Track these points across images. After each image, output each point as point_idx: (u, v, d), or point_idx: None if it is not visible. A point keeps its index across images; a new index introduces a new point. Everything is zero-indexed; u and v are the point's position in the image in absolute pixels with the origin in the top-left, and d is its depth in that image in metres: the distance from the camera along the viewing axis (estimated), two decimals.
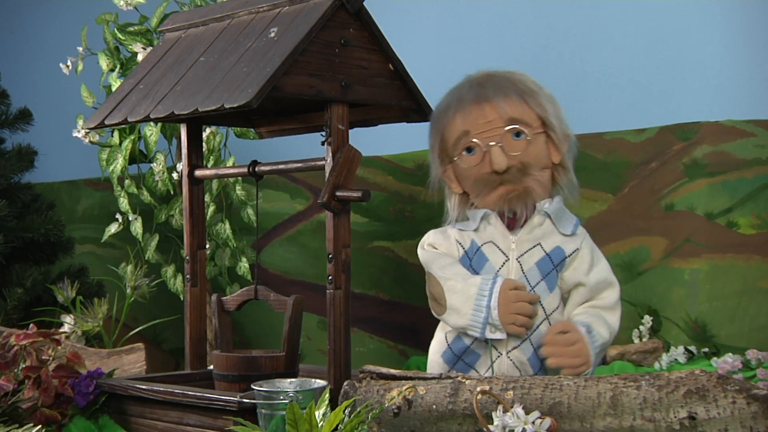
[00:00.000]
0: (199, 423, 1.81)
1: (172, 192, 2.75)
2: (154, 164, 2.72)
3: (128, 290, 2.67)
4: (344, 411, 1.50)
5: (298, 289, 3.01)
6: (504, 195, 1.93)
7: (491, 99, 1.92)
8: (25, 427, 1.76)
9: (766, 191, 2.55)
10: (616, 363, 2.53)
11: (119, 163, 2.72)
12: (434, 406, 1.57)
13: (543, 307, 1.91)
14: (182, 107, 1.79)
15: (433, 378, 1.61)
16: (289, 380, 1.71)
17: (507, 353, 1.89)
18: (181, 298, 2.66)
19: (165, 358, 3.12)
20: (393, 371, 1.66)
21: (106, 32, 2.77)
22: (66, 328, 2.54)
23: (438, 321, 2.00)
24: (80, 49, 2.82)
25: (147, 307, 2.90)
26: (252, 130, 2.29)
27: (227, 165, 2.69)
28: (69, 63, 2.81)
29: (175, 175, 2.71)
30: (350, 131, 1.83)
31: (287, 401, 1.57)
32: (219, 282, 2.84)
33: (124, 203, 2.78)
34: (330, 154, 1.80)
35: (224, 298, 2.00)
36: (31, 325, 2.08)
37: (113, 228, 2.80)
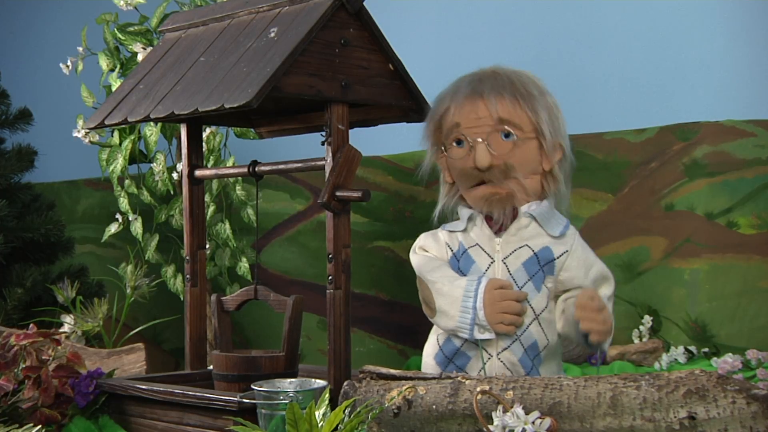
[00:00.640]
0: (199, 423, 1.81)
1: (172, 192, 2.75)
2: (154, 164, 2.72)
3: (128, 290, 2.67)
4: (344, 411, 1.50)
5: (298, 289, 3.01)
6: (486, 196, 1.92)
7: (485, 96, 1.92)
8: (25, 427, 1.76)
9: (766, 191, 2.55)
10: (616, 363, 2.53)
11: (119, 163, 2.72)
12: (434, 406, 1.57)
13: (532, 308, 1.90)
14: (182, 107, 1.79)
15: (433, 378, 1.61)
16: (289, 380, 1.71)
17: (497, 355, 1.89)
18: (181, 298, 2.66)
19: (165, 358, 3.12)
20: (393, 371, 1.66)
21: (106, 32, 2.77)
22: (66, 328, 2.54)
23: None
24: (80, 49, 2.82)
25: (147, 307, 2.90)
26: (252, 130, 2.29)
27: (227, 165, 2.69)
28: (69, 63, 2.81)
29: (175, 175, 2.71)
30: (350, 131, 1.83)
31: (287, 401, 1.57)
32: (219, 282, 2.84)
33: (124, 203, 2.78)
34: (330, 154, 1.80)
35: (224, 298, 1.99)
36: (31, 325, 2.08)
37: (113, 228, 2.80)
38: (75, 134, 2.77)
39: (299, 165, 1.89)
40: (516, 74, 1.97)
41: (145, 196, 2.76)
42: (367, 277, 2.96)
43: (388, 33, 1.86)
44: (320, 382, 1.70)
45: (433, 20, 3.05)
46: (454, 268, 1.95)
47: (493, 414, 1.49)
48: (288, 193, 3.08)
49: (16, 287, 2.75)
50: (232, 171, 2.05)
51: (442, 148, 1.99)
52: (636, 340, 2.64)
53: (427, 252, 2.00)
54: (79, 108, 2.84)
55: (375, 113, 1.99)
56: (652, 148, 2.68)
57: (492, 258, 1.93)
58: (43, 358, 1.99)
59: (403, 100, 1.90)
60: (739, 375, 2.32)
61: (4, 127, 2.98)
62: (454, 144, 1.95)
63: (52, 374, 1.96)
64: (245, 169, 1.98)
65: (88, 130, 2.74)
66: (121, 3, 2.73)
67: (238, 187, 2.77)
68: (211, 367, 1.98)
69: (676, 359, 2.53)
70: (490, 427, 1.48)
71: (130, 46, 2.70)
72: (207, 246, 2.16)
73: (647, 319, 2.63)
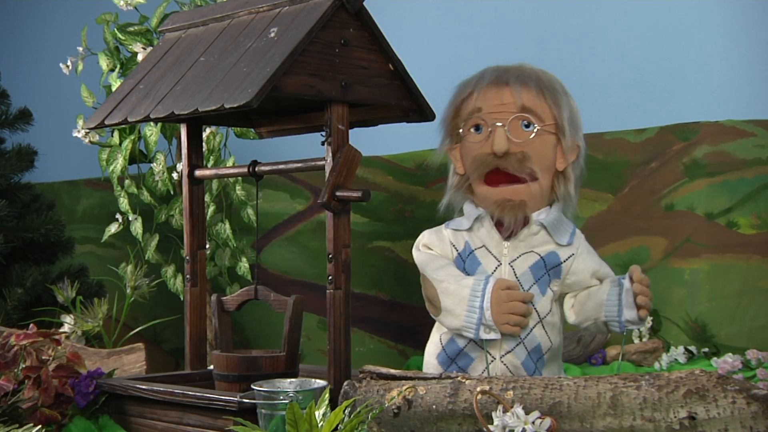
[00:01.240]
0: (199, 423, 1.81)
1: (172, 192, 2.75)
2: (154, 164, 2.72)
3: (128, 290, 2.67)
4: (344, 411, 1.50)
5: (298, 289, 3.01)
6: (499, 202, 1.92)
7: (510, 83, 1.93)
8: (25, 427, 1.76)
9: (766, 191, 2.55)
10: (616, 363, 2.53)
11: (119, 163, 2.72)
12: (434, 406, 1.57)
13: (536, 311, 1.90)
14: (182, 107, 1.79)
15: (433, 378, 1.61)
16: (289, 380, 1.71)
17: (501, 357, 1.89)
18: (181, 298, 2.66)
19: (165, 358, 3.12)
20: (393, 371, 1.66)
21: (106, 32, 2.77)
22: (66, 328, 2.54)
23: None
24: (80, 49, 2.82)
25: (147, 307, 2.90)
26: (252, 130, 2.29)
27: (227, 165, 2.69)
28: (69, 63, 2.81)
29: (175, 175, 2.71)
30: (350, 131, 1.83)
31: (287, 401, 1.57)
32: (219, 282, 2.84)
33: (124, 203, 2.78)
34: (330, 154, 1.80)
35: (224, 298, 1.99)
36: (31, 325, 2.08)
37: (113, 228, 2.80)
38: (75, 134, 2.77)
39: (299, 165, 1.89)
40: (542, 71, 1.98)
41: (145, 196, 2.76)
42: (367, 277, 2.96)
43: (388, 33, 1.86)
44: (320, 382, 1.70)
45: (433, 20, 3.05)
46: (459, 268, 1.95)
47: (493, 414, 1.49)
48: (288, 193, 3.08)
49: (16, 287, 2.75)
50: (232, 171, 2.05)
51: (457, 136, 1.98)
52: (636, 340, 2.64)
53: (431, 250, 1.99)
54: (79, 108, 2.84)
55: (375, 113, 1.99)
56: (652, 148, 2.68)
57: (499, 261, 1.93)
58: (43, 358, 1.99)
59: (403, 100, 1.90)
60: (739, 375, 2.32)
61: (4, 127, 2.98)
62: (472, 130, 1.95)
63: (52, 374, 1.96)
64: (245, 169, 1.98)
65: (88, 130, 2.74)
66: (121, 3, 2.73)
67: (238, 187, 2.77)
68: (211, 367, 1.98)
69: (676, 359, 2.53)
70: (490, 427, 1.48)
71: (130, 46, 2.69)
72: (207, 246, 2.16)
73: (647, 319, 2.63)
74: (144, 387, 1.90)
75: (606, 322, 1.90)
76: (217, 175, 2.11)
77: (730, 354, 2.42)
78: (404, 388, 1.60)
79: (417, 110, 1.94)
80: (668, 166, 2.66)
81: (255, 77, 1.70)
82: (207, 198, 2.69)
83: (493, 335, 1.86)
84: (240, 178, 2.74)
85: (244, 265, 2.78)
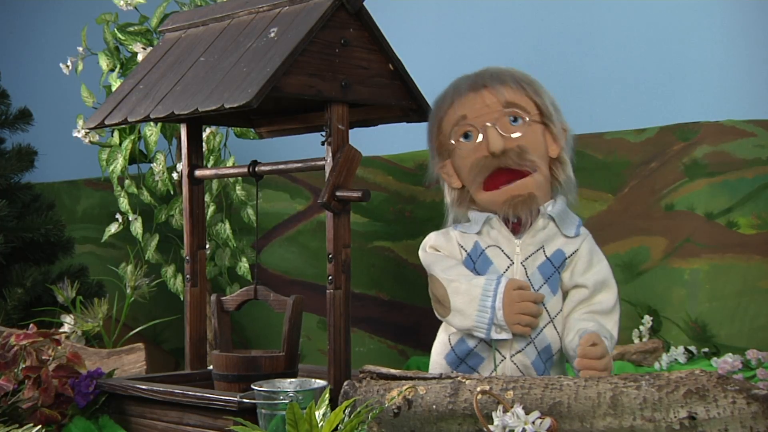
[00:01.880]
0: (199, 423, 1.81)
1: (172, 192, 2.75)
2: (154, 164, 2.72)
3: (128, 290, 2.67)
4: (344, 411, 1.50)
5: (298, 289, 3.01)
6: (508, 200, 1.91)
7: (489, 84, 1.93)
8: (25, 427, 1.76)
9: (766, 191, 2.55)
10: (616, 363, 2.53)
11: (119, 163, 2.72)
12: (434, 406, 1.57)
13: (547, 311, 1.90)
14: (182, 107, 1.79)
15: (433, 378, 1.61)
16: (289, 380, 1.71)
17: (511, 357, 1.89)
18: (181, 298, 2.66)
19: (165, 358, 3.12)
20: (393, 371, 1.66)
21: (106, 32, 2.77)
22: (66, 328, 2.54)
23: (440, 321, 2.00)
24: (80, 49, 2.81)
25: (147, 307, 2.90)
26: (252, 130, 2.29)
27: (227, 165, 2.69)
28: (69, 63, 2.81)
29: (175, 175, 2.71)
30: (350, 131, 1.83)
31: (287, 401, 1.57)
32: (219, 282, 2.84)
33: (124, 203, 2.78)
34: (330, 154, 1.80)
35: (224, 298, 2.00)
36: (31, 325, 2.08)
37: (113, 228, 2.80)
38: (75, 134, 2.77)
39: (299, 165, 1.89)
40: (512, 68, 1.98)
41: (145, 196, 2.76)
42: (367, 277, 2.96)
43: (388, 33, 1.86)
44: (320, 382, 1.70)
45: (433, 20, 3.05)
46: (469, 268, 1.94)
47: (493, 414, 1.49)
48: (288, 193, 3.07)
49: (16, 287, 2.75)
50: (232, 171, 2.05)
51: (446, 151, 1.98)
52: (636, 340, 2.63)
53: (438, 251, 1.99)
54: (79, 108, 2.84)
55: (375, 113, 1.99)
56: (652, 148, 2.68)
57: (511, 260, 1.92)
58: (43, 358, 1.99)
59: (403, 100, 1.90)
60: (739, 375, 2.32)
61: (4, 127, 2.98)
62: (462, 139, 1.95)
63: (52, 374, 1.96)
64: (245, 169, 1.98)
65: (88, 130, 2.74)
66: (121, 3, 2.73)
67: (238, 187, 2.77)
68: (211, 367, 1.98)
69: (676, 359, 2.53)
70: (490, 427, 1.48)
71: (130, 46, 2.69)
72: (207, 246, 2.16)
73: (647, 319, 2.63)
74: (144, 387, 1.90)
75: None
76: (217, 175, 2.11)
77: (730, 354, 2.42)
78: (404, 388, 1.60)
79: (417, 110, 1.94)
80: (668, 166, 2.66)
81: (255, 77, 1.70)
82: (207, 198, 2.69)
83: (504, 335, 1.86)
84: (240, 178, 2.74)
85: (244, 265, 2.78)
